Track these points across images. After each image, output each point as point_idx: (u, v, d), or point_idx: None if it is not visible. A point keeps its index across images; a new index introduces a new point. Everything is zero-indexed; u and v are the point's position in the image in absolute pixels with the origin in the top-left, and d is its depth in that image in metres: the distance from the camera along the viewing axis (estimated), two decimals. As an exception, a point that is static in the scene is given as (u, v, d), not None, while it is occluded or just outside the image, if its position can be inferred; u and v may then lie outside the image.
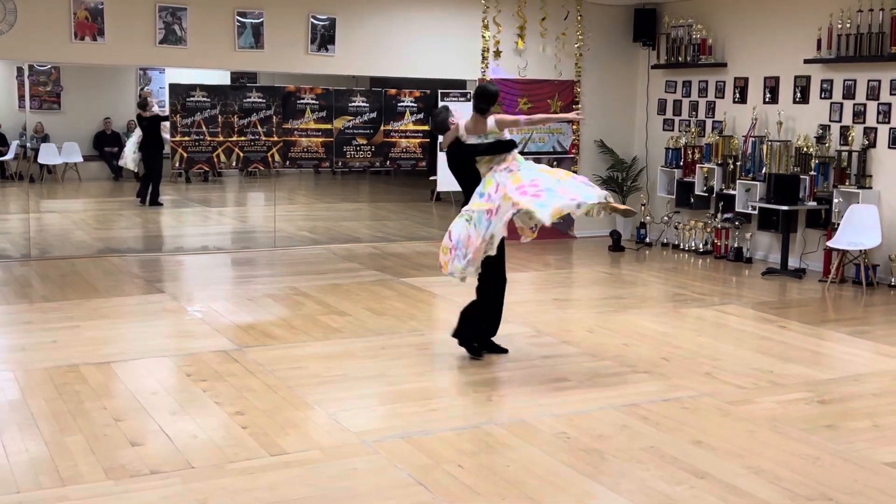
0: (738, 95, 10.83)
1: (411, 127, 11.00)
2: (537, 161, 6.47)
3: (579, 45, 11.72)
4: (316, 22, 10.43)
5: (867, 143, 9.35)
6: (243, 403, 5.32)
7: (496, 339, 6.48)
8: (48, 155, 16.71)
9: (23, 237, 10.52)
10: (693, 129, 11.27)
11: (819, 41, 9.70)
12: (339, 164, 10.84)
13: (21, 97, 14.15)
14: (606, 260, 10.58)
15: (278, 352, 6.41)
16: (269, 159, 10.46)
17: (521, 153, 6.52)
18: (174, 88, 10.18)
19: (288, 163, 10.60)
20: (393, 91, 10.94)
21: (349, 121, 10.69)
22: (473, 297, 6.40)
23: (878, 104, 9.26)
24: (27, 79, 12.35)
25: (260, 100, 10.31)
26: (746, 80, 10.73)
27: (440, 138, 10.96)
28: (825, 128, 9.75)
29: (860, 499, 4.18)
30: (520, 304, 8.14)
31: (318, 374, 5.91)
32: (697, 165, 11.00)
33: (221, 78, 14.94)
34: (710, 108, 11.20)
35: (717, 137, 10.83)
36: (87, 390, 5.49)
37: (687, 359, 6.46)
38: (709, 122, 11.19)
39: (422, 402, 5.40)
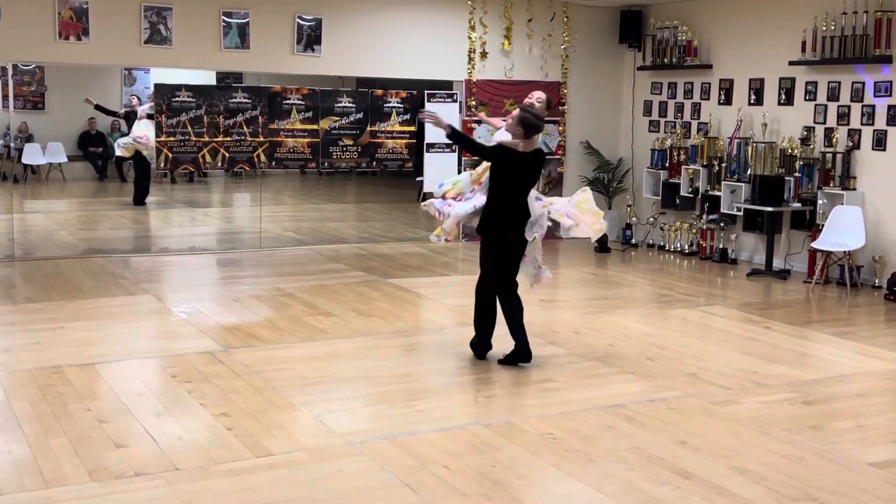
0: (723, 97, 10.87)
1: (398, 128, 11.00)
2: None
3: (565, 47, 11.74)
4: (302, 22, 10.41)
5: (851, 144, 9.40)
6: (229, 405, 5.31)
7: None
8: (32, 155, 16.63)
9: (6, 238, 10.46)
10: (679, 131, 11.31)
11: (804, 43, 9.75)
12: (326, 164, 10.82)
13: (5, 97, 14.07)
14: (592, 261, 10.60)
15: (264, 353, 6.39)
16: (255, 160, 10.43)
17: None
18: (159, 88, 10.14)
19: (274, 163, 10.57)
20: (379, 92, 10.93)
21: (335, 121, 10.67)
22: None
23: (862, 106, 9.32)
24: (11, 78, 12.27)
25: (246, 100, 10.28)
26: (732, 81, 10.78)
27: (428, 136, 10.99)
28: (810, 129, 9.80)
29: (844, 499, 4.20)
30: (506, 305, 8.14)
31: (304, 376, 5.89)
32: (683, 167, 11.03)
33: (207, 78, 14.93)
34: (696, 109, 11.24)
35: (703, 139, 10.87)
36: (71, 392, 5.46)
37: (672, 359, 6.48)
38: (694, 124, 11.23)
39: (408, 404, 5.40)
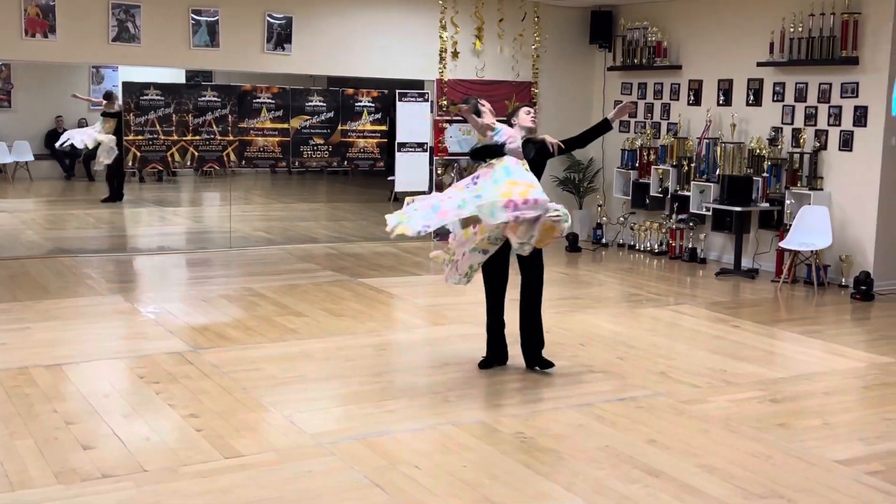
0: (692, 98, 10.95)
1: (369, 127, 10.97)
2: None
3: (536, 47, 11.77)
4: (272, 21, 10.35)
5: (818, 145, 9.50)
6: (197, 406, 5.26)
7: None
8: (-2, 153, 16.42)
9: (-29, 237, 10.31)
10: (648, 131, 11.38)
11: (772, 44, 9.85)
12: (296, 163, 10.77)
13: (-29, 95, 13.90)
14: (563, 260, 10.64)
15: (233, 353, 6.35)
16: (225, 159, 10.36)
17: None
18: (127, 87, 10.04)
19: (244, 162, 10.51)
20: (350, 91, 10.90)
21: (306, 120, 10.63)
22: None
23: (830, 107, 9.42)
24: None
25: (215, 98, 10.21)
26: (701, 82, 10.86)
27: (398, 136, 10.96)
28: (777, 130, 9.90)
29: (811, 496, 4.24)
30: (477, 306, 8.13)
31: (274, 376, 5.86)
32: (653, 167, 11.10)
33: (176, 76, 14.81)
34: (666, 110, 11.32)
35: (672, 139, 10.95)
36: (37, 393, 5.39)
37: (642, 358, 6.52)
38: (664, 124, 11.31)
39: (378, 404, 5.39)
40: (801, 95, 9.70)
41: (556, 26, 11.94)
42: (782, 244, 9.33)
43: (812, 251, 9.18)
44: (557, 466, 4.53)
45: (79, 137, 14.00)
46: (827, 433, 5.10)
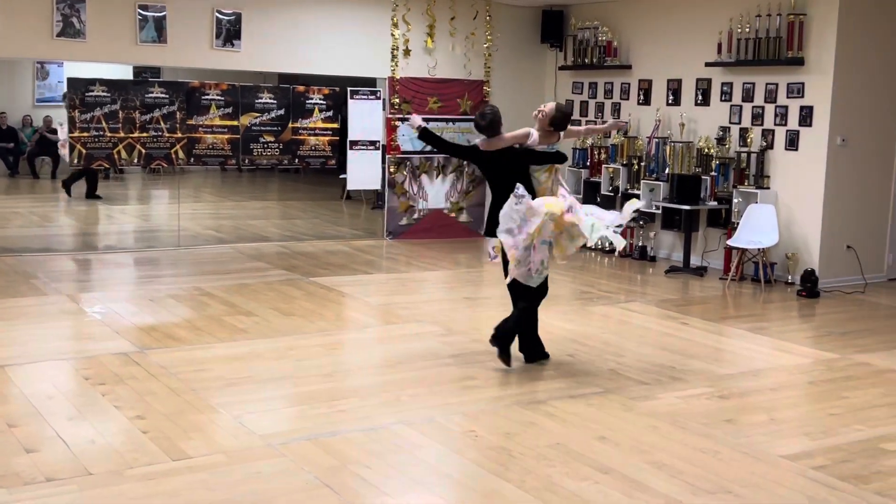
0: (642, 97, 11.05)
1: (320, 125, 10.89)
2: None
3: (488, 46, 11.79)
4: (221, 16, 10.23)
5: (765, 144, 9.65)
6: (144, 407, 5.18)
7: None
8: (-62, 151, 16.03)
9: None
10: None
11: (719, 45, 9.97)
12: (246, 161, 10.66)
13: None
14: (515, 258, 10.65)
15: (181, 354, 6.26)
16: (173, 156, 10.21)
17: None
18: (72, 83, 9.85)
19: (192, 160, 10.37)
20: (301, 88, 10.82)
21: (256, 118, 10.52)
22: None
23: (776, 107, 9.57)
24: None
25: (163, 95, 10.06)
26: (650, 82, 10.96)
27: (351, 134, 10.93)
28: (725, 129, 10.03)
29: (757, 491, 4.30)
30: (430, 303, 8.15)
31: (223, 377, 5.79)
32: (603, 166, 11.18)
33: (123, 72, 14.57)
34: (616, 109, 11.41)
35: (623, 138, 11.04)
36: (-23, 396, 5.27)
37: (593, 356, 6.56)
38: (614, 123, 11.38)
39: (330, 404, 5.35)
40: (748, 95, 9.84)
41: (507, 25, 11.97)
42: (730, 242, 9.45)
43: (759, 249, 9.31)
44: (509, 464, 4.54)
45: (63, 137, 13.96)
46: (774, 429, 5.18)
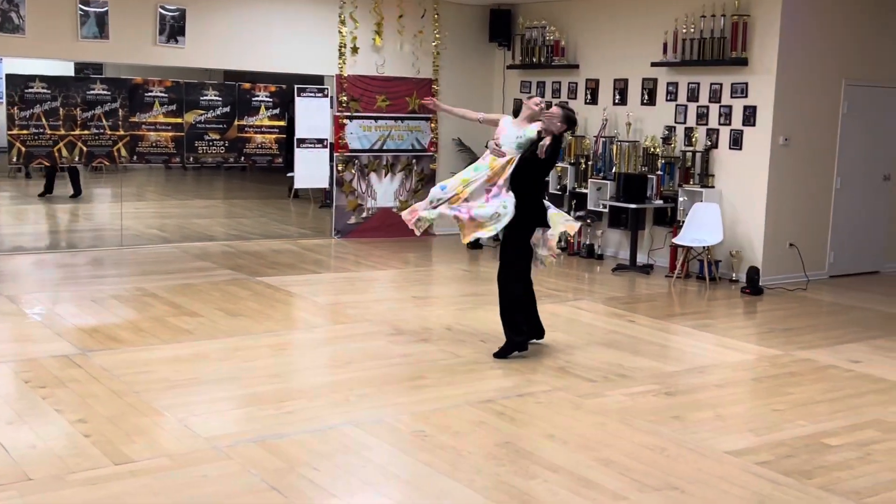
0: (589, 97, 11.12)
1: (267, 122, 10.78)
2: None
3: (437, 44, 11.78)
4: (164, 12, 10.06)
5: (710, 144, 9.77)
6: (86, 411, 5.07)
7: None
8: None
9: None
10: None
11: (665, 45, 10.08)
12: (191, 159, 10.51)
13: None
14: (465, 257, 10.67)
15: (125, 356, 6.14)
16: (115, 154, 10.03)
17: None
18: (11, 79, 9.61)
19: (135, 158, 10.19)
20: (247, 85, 10.69)
21: (201, 115, 10.38)
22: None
23: (720, 107, 9.70)
24: None
25: (105, 92, 9.87)
26: (597, 81, 11.04)
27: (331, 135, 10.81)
28: (671, 129, 10.14)
29: (703, 487, 4.34)
30: (379, 303, 8.11)
31: (168, 378, 5.69)
32: (551, 164, 11.21)
33: (64, 69, 14.25)
34: (564, 108, 11.44)
35: (570, 137, 11.09)
36: (-90, 401, 5.11)
37: (541, 354, 6.58)
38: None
39: (277, 405, 5.28)
40: (693, 95, 9.96)
41: (455, 24, 11.97)
42: (675, 240, 9.56)
43: (704, 247, 9.43)
44: (458, 464, 4.52)
45: None
46: (719, 425, 5.24)
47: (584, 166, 10.86)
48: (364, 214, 11.63)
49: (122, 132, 9.97)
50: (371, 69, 11.40)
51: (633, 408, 5.46)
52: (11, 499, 3.96)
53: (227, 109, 10.52)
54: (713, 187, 9.70)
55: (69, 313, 7.25)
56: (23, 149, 9.56)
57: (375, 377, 5.90)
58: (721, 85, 9.67)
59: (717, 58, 9.56)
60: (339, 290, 8.66)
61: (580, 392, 5.73)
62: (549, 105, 6.70)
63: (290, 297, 8.22)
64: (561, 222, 6.51)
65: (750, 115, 9.43)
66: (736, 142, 9.57)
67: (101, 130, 9.87)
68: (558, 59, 11.36)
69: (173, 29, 10.11)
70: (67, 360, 5.98)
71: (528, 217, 6.40)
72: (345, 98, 11.22)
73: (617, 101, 10.75)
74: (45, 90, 9.59)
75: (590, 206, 10.66)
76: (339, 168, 11.34)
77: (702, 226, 9.43)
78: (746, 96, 9.45)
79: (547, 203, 6.60)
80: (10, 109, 9.50)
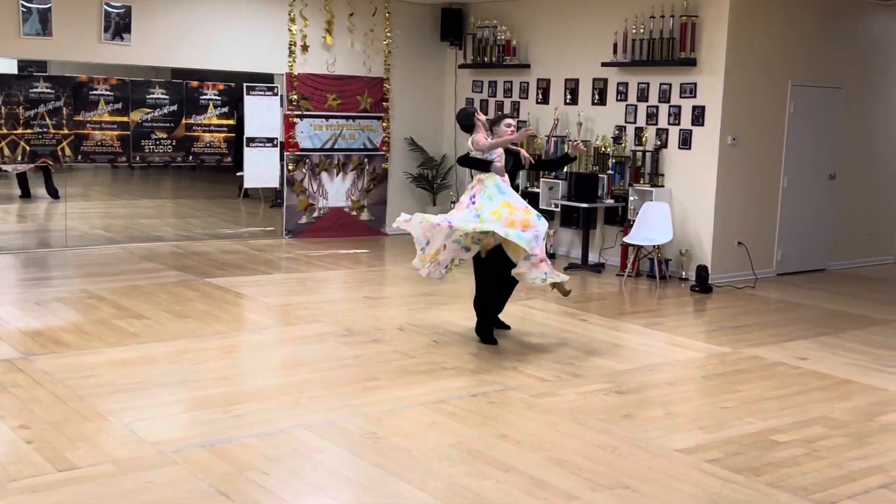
0: (540, 96, 11.15)
1: (215, 121, 10.64)
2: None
3: (388, 43, 11.72)
4: (109, 9, 9.87)
5: (659, 143, 9.86)
6: (28, 416, 4.94)
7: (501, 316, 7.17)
8: None
9: None
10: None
11: (615, 45, 10.14)
12: (137, 158, 10.32)
13: None
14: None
15: (69, 359, 6.00)
16: (59, 153, 9.81)
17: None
18: (-50, 76, 9.37)
19: (80, 157, 9.99)
20: (195, 83, 10.54)
21: (147, 113, 10.20)
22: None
23: (670, 107, 9.78)
24: None
25: (48, 90, 9.65)
26: (549, 81, 11.07)
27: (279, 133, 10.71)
28: (621, 129, 10.21)
29: (654, 485, 4.36)
30: (331, 303, 8.04)
31: (113, 383, 5.57)
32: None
33: (7, 67, 13.93)
34: (516, 108, 11.49)
35: (523, 137, 11.10)
36: None
37: (494, 354, 6.57)
38: (514, 122, 11.43)
39: (225, 408, 5.20)
40: (643, 95, 10.03)
41: (407, 22, 11.93)
42: (626, 239, 9.63)
43: (654, 246, 9.51)
44: (410, 465, 4.49)
45: None
46: (669, 423, 5.27)
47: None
48: (315, 214, 11.54)
49: (66, 131, 9.77)
50: (322, 67, 11.31)
51: (585, 407, 5.47)
52: (-51, 508, 3.85)
53: (175, 108, 10.36)
54: (663, 187, 9.79)
55: (11, 316, 7.07)
56: (-38, 148, 9.32)
57: (327, 379, 5.84)
58: (670, 85, 9.76)
59: (667, 58, 9.64)
60: (289, 291, 8.57)
61: (532, 392, 5.73)
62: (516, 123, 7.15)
63: (240, 298, 8.11)
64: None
65: (699, 115, 9.52)
66: (685, 141, 9.66)
67: (45, 129, 9.66)
68: (510, 58, 11.38)
69: (119, 26, 9.92)
70: (9, 364, 5.83)
71: None
72: (295, 97, 11.12)
73: (568, 100, 10.79)
74: (-15, 88, 9.35)
75: (542, 206, 10.68)
76: (290, 167, 11.23)
77: (652, 225, 9.50)
78: (695, 96, 9.54)
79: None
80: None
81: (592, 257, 10.30)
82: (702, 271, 9.16)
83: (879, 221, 11.23)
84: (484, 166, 6.79)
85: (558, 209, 10.50)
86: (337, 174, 11.56)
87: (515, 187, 7.07)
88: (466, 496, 4.16)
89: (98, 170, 17.64)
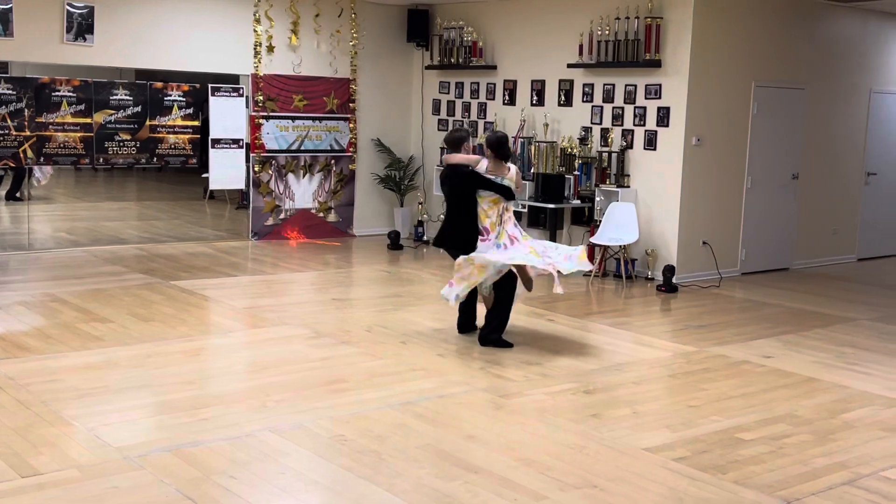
0: (507, 97, 11.18)
1: (180, 122, 10.54)
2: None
3: (354, 44, 11.69)
4: (72, 10, 9.75)
5: (625, 144, 9.92)
6: (-11, 423, 4.86)
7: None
8: None
9: None
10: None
11: (581, 47, 10.19)
12: (101, 160, 10.20)
13: None
14: (385, 258, 10.62)
15: (31, 364, 5.92)
16: (21, 155, 9.67)
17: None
18: None
19: (42, 159, 9.85)
20: (159, 84, 10.44)
21: (111, 115, 10.09)
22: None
23: (635, 108, 9.85)
24: None
25: (9, 91, 9.51)
26: (515, 82, 11.10)
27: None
28: (587, 130, 10.26)
29: (622, 484, 4.38)
30: (298, 305, 8.00)
31: (77, 387, 5.50)
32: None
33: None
34: (482, 109, 11.51)
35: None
36: None
37: (462, 355, 6.57)
38: (481, 123, 11.49)
39: (191, 412, 5.15)
40: (608, 96, 10.09)
41: (373, 23, 11.90)
42: (593, 239, 9.67)
43: (620, 246, 9.57)
44: (378, 468, 4.47)
45: None
46: (636, 422, 5.30)
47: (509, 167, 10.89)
48: (282, 216, 11.47)
49: (28, 133, 9.63)
50: (287, 68, 11.26)
51: (552, 407, 5.49)
52: None
53: (139, 109, 10.25)
54: (629, 187, 9.85)
55: (-28, 321, 6.97)
56: (-79, 150, 9.15)
57: (294, 381, 5.81)
58: (636, 86, 9.82)
59: (632, 59, 9.70)
60: (256, 294, 8.52)
61: (500, 392, 5.73)
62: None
63: (206, 301, 8.05)
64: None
65: (664, 116, 9.59)
66: (650, 142, 9.73)
67: (6, 131, 9.52)
68: (476, 59, 11.39)
69: (81, 27, 9.80)
70: (-31, 370, 5.74)
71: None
72: (261, 98, 11.05)
73: (534, 101, 10.83)
74: (-56, 89, 9.20)
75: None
76: (256, 169, 11.16)
77: (618, 225, 9.56)
78: (660, 97, 9.61)
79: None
80: None
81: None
82: (667, 271, 9.22)
83: (841, 221, 11.38)
84: (508, 194, 6.91)
85: (525, 210, 10.52)
86: (304, 175, 11.51)
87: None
88: (435, 497, 4.15)
89: (61, 172, 17.40)
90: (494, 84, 11.34)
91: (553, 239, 10.18)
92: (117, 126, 10.15)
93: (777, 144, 10.36)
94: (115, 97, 10.12)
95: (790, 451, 4.89)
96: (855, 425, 5.38)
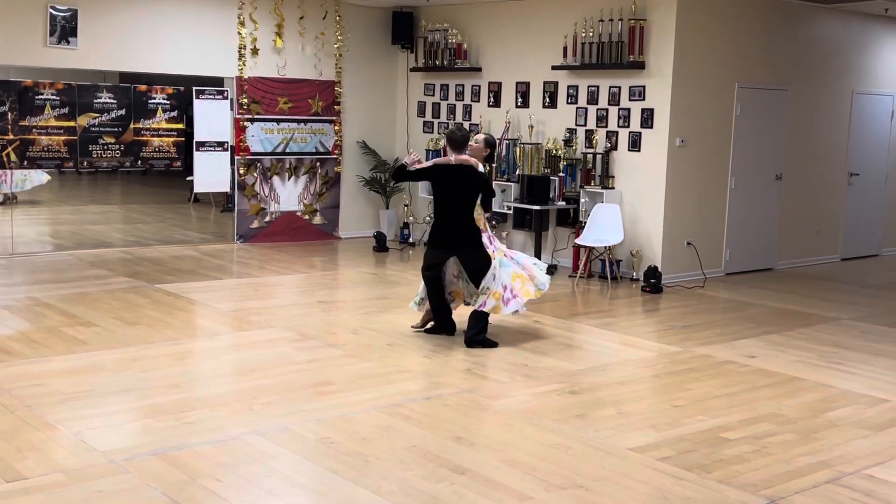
0: (492, 99, 11.21)
1: (164, 125, 10.52)
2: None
3: (339, 46, 11.69)
4: (55, 13, 9.71)
5: (609, 146, 9.96)
6: (-26, 427, 4.84)
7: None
8: None
9: None
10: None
11: (565, 48, 10.22)
12: (85, 164, 10.17)
13: None
14: (371, 260, 10.62)
15: (16, 368, 5.89)
16: (5, 159, 9.63)
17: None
18: None
19: (26, 162, 9.81)
20: (143, 87, 10.41)
21: (95, 118, 10.05)
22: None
23: (619, 109, 9.89)
24: None
25: (-8, 95, 9.47)
26: (500, 84, 11.13)
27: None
28: (572, 131, 10.29)
29: (607, 484, 4.41)
30: (284, 308, 8.00)
31: (62, 391, 5.48)
32: (456, 166, 11.25)
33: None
34: (467, 111, 11.53)
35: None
36: None
37: (448, 356, 6.58)
38: (466, 125, 11.50)
39: (177, 416, 5.14)
40: (593, 98, 10.13)
41: (358, 26, 11.91)
42: (578, 241, 9.71)
43: (605, 247, 9.60)
44: (365, 470, 4.48)
45: None
46: (621, 422, 5.33)
47: (488, 168, 10.91)
48: (267, 218, 11.46)
49: (11, 136, 9.59)
50: (272, 71, 11.25)
51: (538, 407, 5.51)
52: None
53: (123, 112, 10.22)
54: (613, 188, 9.88)
55: (-45, 326, 6.93)
56: None
57: (280, 384, 5.81)
58: (620, 88, 9.86)
59: (616, 61, 9.74)
60: (242, 297, 8.51)
61: (486, 393, 5.75)
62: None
63: (191, 304, 8.03)
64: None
65: (648, 118, 9.64)
66: (635, 143, 9.77)
67: (-11, 134, 9.48)
68: (461, 61, 11.42)
69: (65, 30, 9.77)
70: (-47, 374, 5.71)
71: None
72: (245, 100, 11.04)
73: (519, 103, 10.86)
74: (-74, 92, 9.14)
75: (494, 208, 10.72)
76: (241, 171, 11.15)
77: (603, 226, 9.59)
78: (644, 99, 9.66)
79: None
80: None
81: (545, 259, 10.36)
82: (652, 272, 9.26)
83: (825, 221, 11.46)
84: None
85: (511, 211, 10.55)
86: (289, 178, 11.50)
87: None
88: (422, 499, 4.17)
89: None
90: (479, 86, 11.37)
91: (539, 242, 10.21)
92: (101, 129, 10.12)
93: (760, 145, 10.42)
94: (99, 100, 10.09)
95: (774, 450, 4.92)
96: (838, 424, 5.42)
